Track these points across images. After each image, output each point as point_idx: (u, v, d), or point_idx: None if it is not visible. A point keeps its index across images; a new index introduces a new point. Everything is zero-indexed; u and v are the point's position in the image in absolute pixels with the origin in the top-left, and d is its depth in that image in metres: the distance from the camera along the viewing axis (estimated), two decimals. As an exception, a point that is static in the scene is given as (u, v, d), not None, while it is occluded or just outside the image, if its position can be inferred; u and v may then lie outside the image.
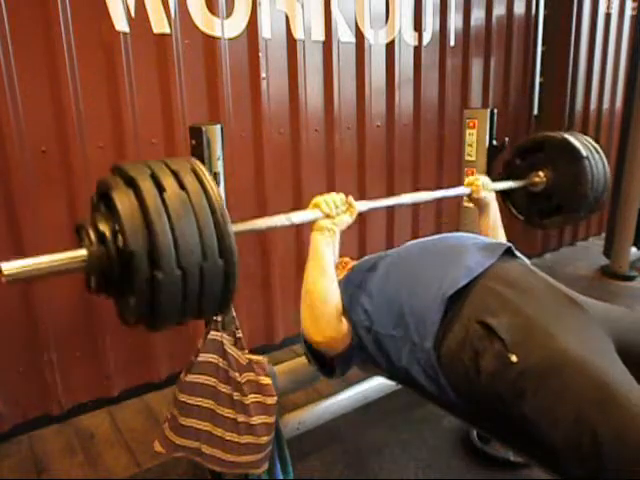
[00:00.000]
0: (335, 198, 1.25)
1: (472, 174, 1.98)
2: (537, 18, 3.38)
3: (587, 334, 0.96)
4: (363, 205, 1.33)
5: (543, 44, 3.48)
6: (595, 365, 0.87)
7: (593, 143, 1.89)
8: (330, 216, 1.22)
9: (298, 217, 1.21)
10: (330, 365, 1.24)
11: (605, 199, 1.93)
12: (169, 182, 0.88)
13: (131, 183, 0.86)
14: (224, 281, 0.91)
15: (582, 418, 0.83)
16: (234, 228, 0.93)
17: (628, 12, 4.01)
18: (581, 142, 1.85)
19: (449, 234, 1.36)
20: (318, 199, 1.25)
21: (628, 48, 4.02)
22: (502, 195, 1.97)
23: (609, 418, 0.82)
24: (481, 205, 1.61)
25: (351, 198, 1.29)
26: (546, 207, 1.94)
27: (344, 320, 1.18)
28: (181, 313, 0.90)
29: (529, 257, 1.31)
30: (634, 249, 3.46)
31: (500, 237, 1.56)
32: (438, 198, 1.62)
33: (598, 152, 1.87)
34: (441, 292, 1.06)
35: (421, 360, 1.07)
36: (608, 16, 3.87)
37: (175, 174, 0.90)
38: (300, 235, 2.41)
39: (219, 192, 0.92)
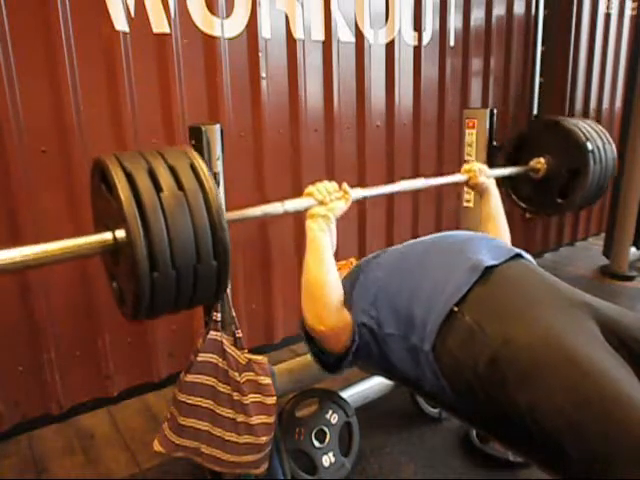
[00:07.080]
0: (327, 186, 1.25)
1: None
2: (537, 18, 3.37)
3: (585, 329, 0.94)
4: (358, 192, 1.33)
5: (543, 44, 3.47)
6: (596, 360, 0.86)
7: (600, 130, 1.87)
8: (324, 203, 1.22)
9: (292, 204, 1.22)
10: (332, 362, 1.23)
11: (608, 184, 1.91)
12: (167, 181, 0.90)
13: (131, 182, 0.88)
14: (216, 281, 0.96)
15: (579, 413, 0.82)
16: (228, 216, 0.96)
17: (628, 12, 4.00)
18: (586, 132, 1.81)
19: (455, 232, 1.33)
20: (310, 188, 1.25)
21: (628, 48, 4.02)
22: (505, 184, 1.96)
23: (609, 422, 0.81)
24: (480, 191, 1.61)
25: (345, 185, 1.29)
26: (549, 194, 1.92)
27: (346, 311, 1.17)
28: (174, 306, 0.97)
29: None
30: (634, 249, 3.47)
31: (502, 224, 1.55)
32: (435, 185, 1.63)
33: (608, 142, 1.85)
34: (443, 298, 1.05)
35: (421, 360, 1.07)
36: (608, 16, 3.87)
37: (173, 170, 0.92)
38: (300, 234, 2.41)
39: (216, 191, 0.92)
